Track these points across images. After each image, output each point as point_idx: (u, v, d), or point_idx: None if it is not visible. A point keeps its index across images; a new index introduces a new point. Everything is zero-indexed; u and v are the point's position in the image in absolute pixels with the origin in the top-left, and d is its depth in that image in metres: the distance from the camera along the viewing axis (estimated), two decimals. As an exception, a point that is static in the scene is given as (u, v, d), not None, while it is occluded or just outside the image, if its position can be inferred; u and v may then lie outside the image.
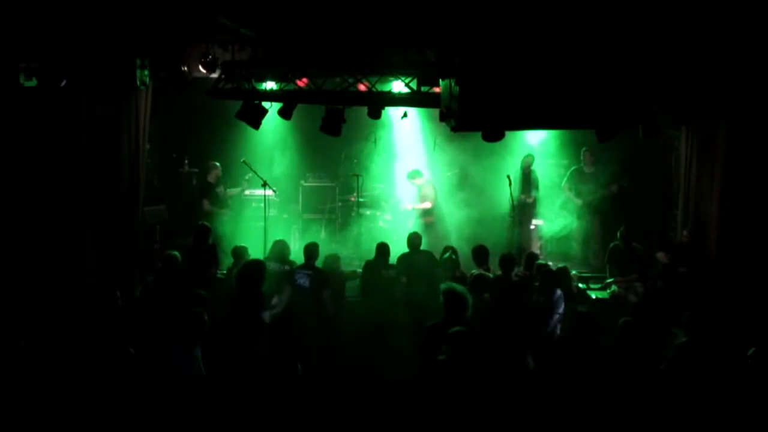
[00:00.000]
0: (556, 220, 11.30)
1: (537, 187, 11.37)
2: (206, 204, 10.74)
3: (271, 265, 8.50)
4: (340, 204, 11.92)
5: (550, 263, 9.28)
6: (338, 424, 5.11)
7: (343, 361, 7.28)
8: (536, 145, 11.60)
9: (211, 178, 10.95)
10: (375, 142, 11.61)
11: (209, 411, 5.06)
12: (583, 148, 11.08)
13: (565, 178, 11.32)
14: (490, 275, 8.14)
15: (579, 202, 11.01)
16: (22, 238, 8.58)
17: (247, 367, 5.93)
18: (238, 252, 8.76)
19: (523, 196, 11.19)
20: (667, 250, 9.57)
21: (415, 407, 5.21)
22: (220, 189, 11.01)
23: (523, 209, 11.11)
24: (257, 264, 7.64)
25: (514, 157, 11.37)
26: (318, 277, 8.07)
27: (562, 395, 5.54)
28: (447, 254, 8.78)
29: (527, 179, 11.34)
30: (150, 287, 8.02)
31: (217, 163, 11.01)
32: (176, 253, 8.21)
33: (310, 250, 8.39)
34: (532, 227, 11.34)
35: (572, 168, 11.36)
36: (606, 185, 10.91)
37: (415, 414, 5.15)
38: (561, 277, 8.02)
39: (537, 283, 8.00)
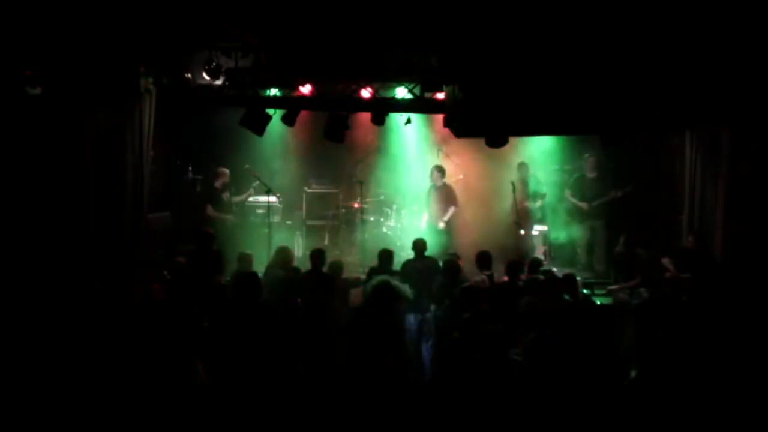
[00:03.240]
0: (560, 225, 11.28)
1: (541, 193, 11.33)
2: (209, 209, 10.79)
3: (275, 272, 8.51)
4: (343, 210, 11.91)
5: (555, 269, 9.25)
6: (339, 427, 5.10)
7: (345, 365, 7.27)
8: (539, 150, 11.58)
9: (218, 184, 11.00)
10: (378, 148, 11.61)
11: (211, 419, 5.05)
12: (586, 154, 11.06)
13: (569, 184, 11.29)
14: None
15: (584, 207, 10.98)
16: (28, 244, 8.60)
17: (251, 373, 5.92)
18: (243, 259, 8.78)
19: (529, 203, 11.17)
20: (672, 255, 9.53)
21: (417, 412, 5.20)
22: (225, 195, 11.04)
23: (528, 215, 11.08)
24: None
25: (518, 163, 11.35)
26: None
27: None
28: (447, 260, 8.75)
29: (526, 185, 11.31)
30: (151, 294, 8.02)
31: (227, 170, 11.05)
32: (181, 259, 8.21)
33: (318, 257, 8.36)
34: (536, 233, 11.31)
35: (575, 174, 11.33)
36: (609, 191, 10.87)
37: (416, 418, 5.14)
38: (567, 283, 7.98)
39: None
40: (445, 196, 11.07)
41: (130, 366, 5.73)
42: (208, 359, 6.07)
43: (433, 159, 11.54)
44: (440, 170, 11.12)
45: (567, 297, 7.66)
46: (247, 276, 7.67)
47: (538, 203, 11.24)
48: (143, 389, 5.41)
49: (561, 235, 11.21)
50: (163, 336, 6.29)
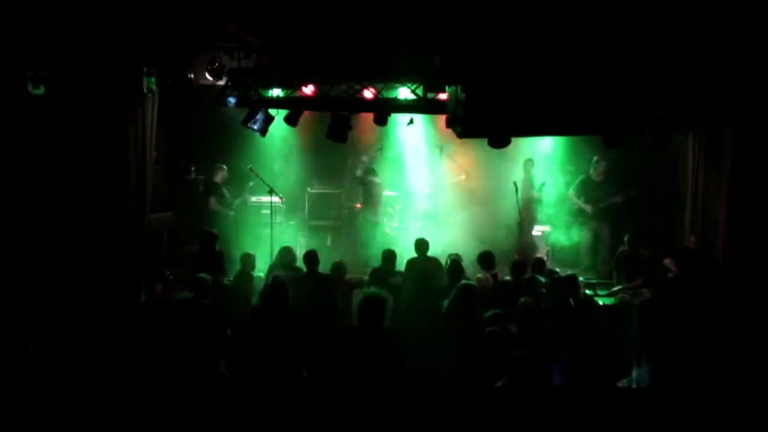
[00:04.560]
0: (563, 226, 11.26)
1: (539, 188, 11.30)
2: (212, 202, 10.83)
3: (278, 273, 8.51)
4: (346, 211, 11.92)
5: (558, 270, 9.24)
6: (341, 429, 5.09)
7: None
8: (543, 151, 11.56)
9: (217, 179, 11.04)
10: (381, 149, 11.61)
11: (231, 417, 5.04)
12: (595, 157, 10.96)
13: (573, 186, 11.25)
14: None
15: (588, 209, 10.94)
16: (31, 244, 8.61)
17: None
18: (245, 259, 8.79)
19: (530, 193, 11.15)
20: (675, 255, 9.52)
21: (418, 412, 5.19)
22: (225, 190, 11.07)
23: (529, 210, 11.06)
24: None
25: (521, 164, 11.34)
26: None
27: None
28: (451, 261, 8.75)
29: (530, 181, 11.30)
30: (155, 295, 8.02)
31: (224, 166, 11.09)
32: (206, 276, 7.73)
33: (312, 258, 8.36)
34: (538, 233, 11.30)
35: (581, 176, 11.26)
36: (614, 194, 10.85)
37: (417, 419, 5.13)
38: (568, 284, 7.97)
39: (544, 289, 7.94)
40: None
41: (134, 367, 5.74)
42: (231, 361, 6.05)
43: (435, 159, 11.55)
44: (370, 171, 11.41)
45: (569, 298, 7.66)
46: (278, 282, 7.55)
47: (539, 195, 11.25)
48: (155, 390, 5.39)
49: (563, 236, 11.20)
50: (187, 338, 6.28)
